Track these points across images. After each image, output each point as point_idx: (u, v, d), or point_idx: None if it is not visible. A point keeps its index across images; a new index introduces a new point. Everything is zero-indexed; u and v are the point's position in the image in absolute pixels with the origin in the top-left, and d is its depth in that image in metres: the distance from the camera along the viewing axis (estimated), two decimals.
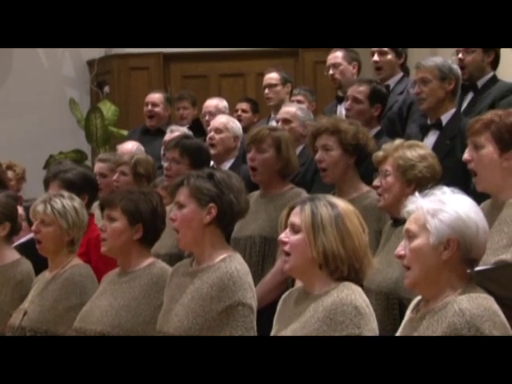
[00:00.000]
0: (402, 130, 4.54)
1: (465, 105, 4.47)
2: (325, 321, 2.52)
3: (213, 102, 6.11)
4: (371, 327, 2.53)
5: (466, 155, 3.04)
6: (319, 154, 3.78)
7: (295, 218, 2.62)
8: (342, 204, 2.63)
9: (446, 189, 2.45)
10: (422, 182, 3.18)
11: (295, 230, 2.62)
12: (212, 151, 4.89)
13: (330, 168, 3.75)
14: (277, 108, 5.79)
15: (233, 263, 2.98)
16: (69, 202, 3.61)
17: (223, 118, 5.07)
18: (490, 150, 2.97)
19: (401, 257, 2.44)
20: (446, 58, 4.39)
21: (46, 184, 4.42)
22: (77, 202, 3.66)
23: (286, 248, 2.64)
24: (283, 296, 2.81)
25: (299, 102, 5.63)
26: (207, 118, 5.90)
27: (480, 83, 4.46)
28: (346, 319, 2.49)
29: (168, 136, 5.18)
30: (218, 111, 5.91)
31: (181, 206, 3.07)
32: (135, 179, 4.64)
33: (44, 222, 3.58)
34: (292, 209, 2.65)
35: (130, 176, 4.66)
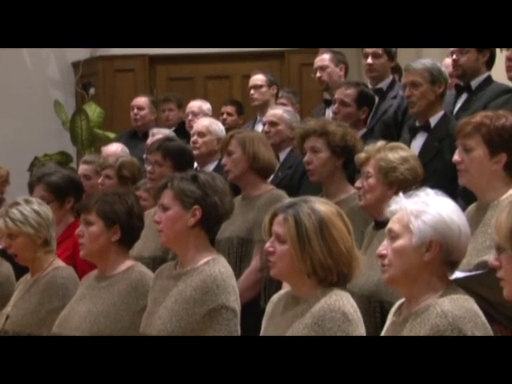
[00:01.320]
0: (398, 134, 4.54)
1: (459, 105, 4.47)
2: (313, 327, 2.51)
3: (196, 103, 6.14)
4: (359, 333, 2.53)
5: (456, 156, 3.05)
6: (307, 155, 3.79)
7: (279, 228, 2.60)
8: (324, 208, 2.60)
9: (429, 190, 2.45)
10: (403, 184, 3.18)
11: (280, 240, 2.61)
12: (195, 154, 4.91)
13: (318, 169, 3.76)
14: (262, 110, 5.81)
15: (216, 266, 2.98)
16: (26, 207, 3.58)
17: (206, 121, 5.09)
18: (480, 152, 2.99)
19: (382, 256, 2.44)
20: (434, 59, 4.40)
21: (31, 188, 4.40)
22: (34, 203, 3.62)
23: (273, 259, 2.63)
24: (272, 299, 2.81)
25: (283, 104, 5.64)
26: (190, 117, 5.91)
27: (474, 84, 4.46)
28: (334, 326, 2.49)
29: (150, 139, 5.18)
30: (201, 112, 5.93)
31: (165, 209, 3.07)
32: (120, 182, 4.62)
33: (11, 236, 3.56)
34: (274, 215, 2.63)
35: (114, 179, 4.65)
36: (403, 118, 4.70)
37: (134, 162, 4.76)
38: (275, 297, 2.79)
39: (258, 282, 3.60)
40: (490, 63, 4.51)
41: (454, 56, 4.48)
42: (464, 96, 4.49)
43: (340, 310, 2.51)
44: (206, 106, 6.14)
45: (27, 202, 3.61)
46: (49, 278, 3.53)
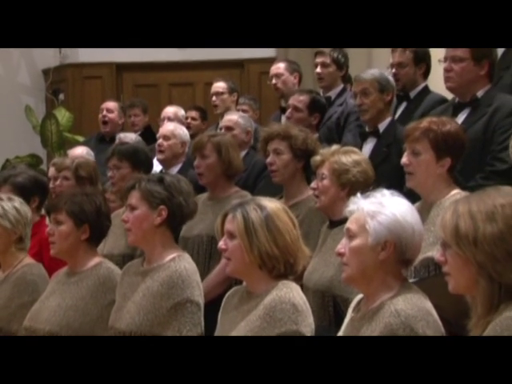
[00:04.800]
0: (339, 138, 4.60)
1: (399, 113, 4.54)
2: (265, 318, 2.54)
3: (171, 109, 6.11)
4: (308, 323, 2.55)
5: (405, 159, 3.11)
6: (270, 157, 3.80)
7: (229, 225, 2.64)
8: (270, 204, 2.65)
9: (385, 191, 2.45)
10: (355, 186, 3.20)
11: (231, 236, 2.64)
12: (160, 157, 4.91)
13: (280, 170, 3.77)
14: (223, 115, 5.81)
15: (182, 262, 2.98)
16: (8, 203, 3.59)
17: (171, 126, 5.08)
18: (427, 156, 3.06)
19: (340, 254, 2.44)
20: (382, 70, 4.45)
21: None
22: (16, 201, 3.63)
23: (226, 255, 2.66)
24: (227, 294, 2.82)
25: (244, 111, 5.66)
26: (166, 122, 5.87)
27: (413, 93, 4.56)
28: (285, 316, 2.51)
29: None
30: (176, 118, 5.91)
31: (133, 208, 3.07)
32: (78, 182, 4.56)
33: None
34: (225, 216, 2.67)
35: (72, 180, 4.60)
36: (345, 123, 4.75)
37: (90, 162, 4.74)
38: (229, 292, 2.81)
39: (228, 279, 3.56)
40: (426, 74, 4.61)
41: (394, 70, 4.58)
42: (404, 104, 4.57)
43: (290, 302, 2.53)
44: (181, 112, 6.12)
45: (10, 199, 3.62)
46: (19, 274, 3.50)
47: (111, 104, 6.45)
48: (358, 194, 2.47)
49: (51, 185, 4.71)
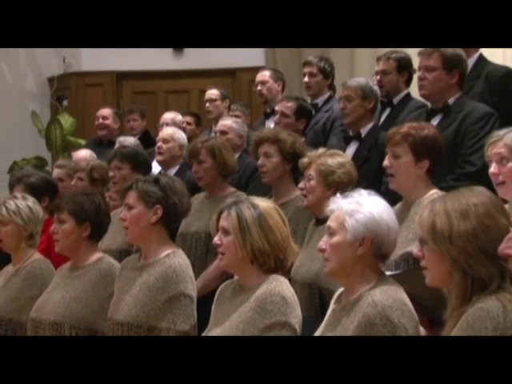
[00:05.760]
0: (325, 141, 4.61)
1: (383, 119, 4.56)
2: (256, 310, 2.55)
3: (169, 115, 6.09)
4: (296, 314, 2.57)
5: (386, 162, 3.15)
6: (261, 159, 3.81)
7: (224, 222, 2.65)
8: (262, 203, 2.66)
9: (363, 191, 2.47)
10: (340, 186, 3.21)
11: (226, 232, 2.65)
12: (160, 158, 4.92)
13: (270, 171, 3.78)
14: (217, 121, 5.80)
15: (176, 258, 2.99)
16: (22, 201, 3.60)
17: (170, 130, 5.10)
18: (407, 159, 3.08)
19: (322, 250, 2.46)
20: (367, 78, 4.45)
21: (11, 187, 4.40)
22: (30, 200, 3.64)
23: (221, 250, 2.67)
24: (220, 287, 2.83)
25: (237, 116, 5.66)
26: (165, 127, 5.84)
27: (396, 100, 4.58)
28: (275, 308, 2.53)
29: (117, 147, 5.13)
30: (174, 123, 5.90)
31: (130, 208, 3.08)
32: (91, 184, 4.61)
33: (2, 223, 3.57)
34: (221, 213, 2.68)
35: (86, 181, 4.63)
36: (331, 128, 4.77)
37: (103, 165, 4.74)
38: (222, 286, 2.82)
39: (224, 274, 3.54)
40: (408, 81, 4.63)
41: (378, 77, 4.59)
42: (387, 111, 4.59)
43: (279, 294, 2.55)
44: (178, 117, 6.09)
45: (24, 198, 3.65)
46: (28, 268, 3.52)
47: (106, 111, 6.46)
48: (338, 194, 2.49)
49: None
